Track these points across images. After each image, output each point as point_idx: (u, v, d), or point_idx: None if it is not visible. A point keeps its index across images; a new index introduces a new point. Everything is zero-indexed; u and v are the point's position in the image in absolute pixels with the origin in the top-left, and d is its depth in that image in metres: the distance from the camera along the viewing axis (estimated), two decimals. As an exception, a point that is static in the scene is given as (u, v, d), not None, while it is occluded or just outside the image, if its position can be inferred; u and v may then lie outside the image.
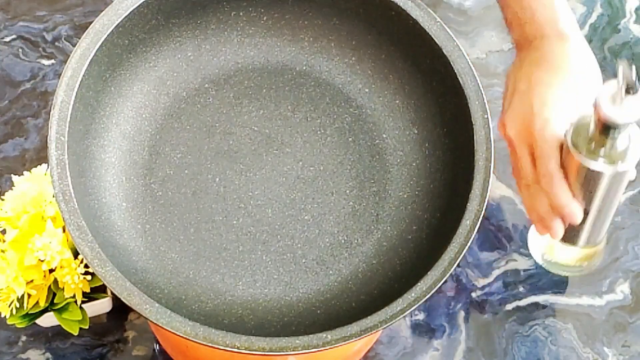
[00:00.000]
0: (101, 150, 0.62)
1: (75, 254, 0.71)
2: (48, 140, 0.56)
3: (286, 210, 0.63)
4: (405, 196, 0.64)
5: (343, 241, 0.63)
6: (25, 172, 0.75)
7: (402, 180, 0.65)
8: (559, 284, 0.86)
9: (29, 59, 0.94)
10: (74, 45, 0.69)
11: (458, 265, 0.58)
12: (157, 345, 0.81)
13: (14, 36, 0.95)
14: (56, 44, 0.95)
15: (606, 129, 0.56)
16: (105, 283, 0.54)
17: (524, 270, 0.87)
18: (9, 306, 0.71)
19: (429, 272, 0.55)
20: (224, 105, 0.67)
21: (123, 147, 0.64)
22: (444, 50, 0.62)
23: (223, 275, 0.61)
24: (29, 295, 0.72)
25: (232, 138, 0.65)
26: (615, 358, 0.83)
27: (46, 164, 0.74)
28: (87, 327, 0.75)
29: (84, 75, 0.59)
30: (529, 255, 0.87)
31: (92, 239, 0.54)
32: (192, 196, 0.63)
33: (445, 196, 0.62)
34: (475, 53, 0.99)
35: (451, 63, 0.61)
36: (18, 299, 0.71)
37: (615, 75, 0.54)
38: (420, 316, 0.84)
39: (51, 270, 0.71)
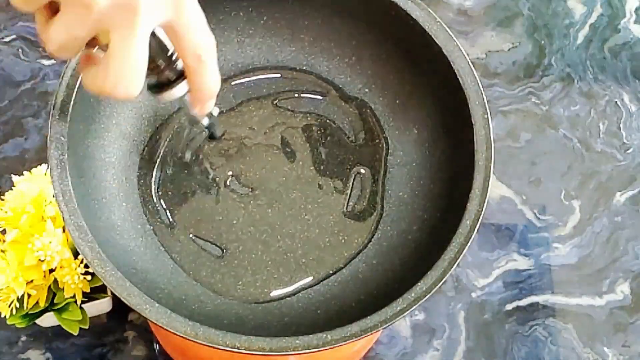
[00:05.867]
0: (101, 150, 0.62)
1: (75, 254, 0.71)
2: (48, 140, 0.56)
3: (286, 210, 0.63)
4: (405, 196, 0.64)
5: (343, 241, 0.63)
6: (25, 172, 0.75)
7: (402, 180, 0.65)
8: (559, 284, 0.86)
9: (29, 59, 0.94)
10: (74, 45, 0.69)
11: (458, 265, 0.58)
12: (157, 345, 0.81)
13: (14, 36, 0.96)
14: (56, 44, 0.95)
15: None
16: (105, 283, 0.53)
17: (524, 270, 0.87)
18: (9, 306, 0.71)
19: (429, 272, 0.55)
20: (224, 105, 0.67)
21: (123, 147, 0.64)
22: (444, 50, 0.62)
23: (223, 275, 0.61)
24: (29, 295, 0.72)
25: (232, 138, 0.65)
26: (615, 358, 0.83)
27: (46, 164, 0.74)
28: (87, 327, 0.75)
29: (84, 75, 0.59)
30: (529, 255, 0.87)
31: (92, 239, 0.54)
32: (192, 196, 0.63)
33: (445, 196, 0.62)
34: (475, 53, 0.99)
35: (451, 63, 0.61)
36: (18, 299, 0.71)
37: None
38: (420, 316, 0.84)
39: (51, 270, 0.71)
